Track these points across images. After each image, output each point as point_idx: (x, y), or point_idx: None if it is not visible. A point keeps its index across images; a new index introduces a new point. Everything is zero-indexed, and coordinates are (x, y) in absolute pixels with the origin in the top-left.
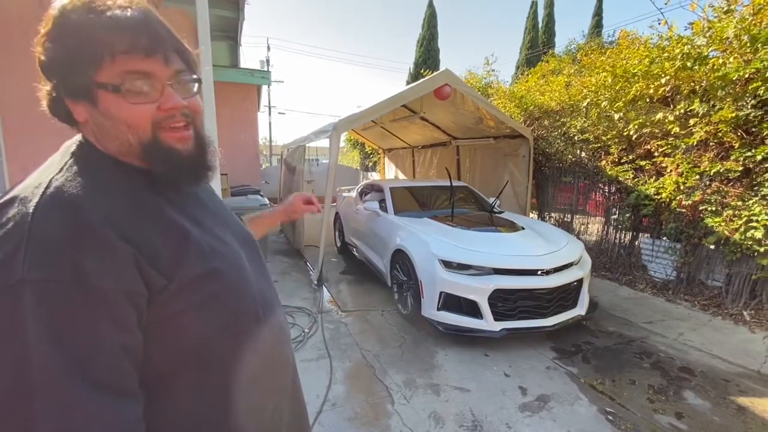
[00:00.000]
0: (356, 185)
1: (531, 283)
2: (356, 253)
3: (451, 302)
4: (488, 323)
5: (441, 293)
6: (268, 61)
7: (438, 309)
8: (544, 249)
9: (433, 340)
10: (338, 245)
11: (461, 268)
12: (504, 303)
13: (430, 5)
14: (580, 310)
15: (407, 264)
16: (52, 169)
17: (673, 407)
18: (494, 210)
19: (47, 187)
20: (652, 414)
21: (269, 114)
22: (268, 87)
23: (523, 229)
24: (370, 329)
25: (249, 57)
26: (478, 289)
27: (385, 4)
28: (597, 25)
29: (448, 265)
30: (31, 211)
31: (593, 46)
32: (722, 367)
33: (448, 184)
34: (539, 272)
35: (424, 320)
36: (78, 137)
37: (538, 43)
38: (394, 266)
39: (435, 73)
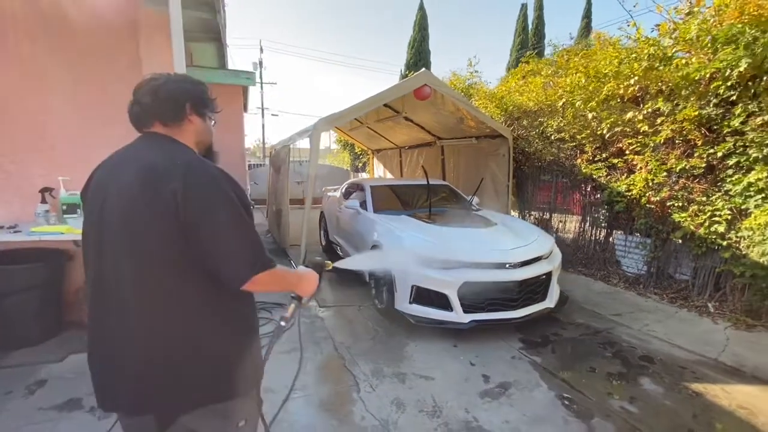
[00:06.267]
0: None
1: (499, 276)
2: (340, 252)
3: (422, 295)
4: (458, 315)
5: (413, 287)
6: (261, 62)
7: (410, 302)
8: (513, 243)
9: (405, 333)
10: (323, 244)
11: (433, 262)
12: (473, 295)
13: (421, 8)
14: (550, 302)
15: None
16: (177, 148)
17: (628, 392)
18: (472, 207)
19: (187, 152)
20: (607, 398)
21: (262, 116)
22: (260, 89)
23: (496, 225)
24: (345, 323)
25: (243, 59)
26: (448, 282)
27: (378, 7)
28: (586, 27)
29: (420, 259)
30: (195, 159)
31: (579, 48)
32: (681, 355)
33: (432, 183)
34: (507, 265)
35: (398, 314)
36: (166, 137)
37: (528, 45)
38: None
39: (414, 74)
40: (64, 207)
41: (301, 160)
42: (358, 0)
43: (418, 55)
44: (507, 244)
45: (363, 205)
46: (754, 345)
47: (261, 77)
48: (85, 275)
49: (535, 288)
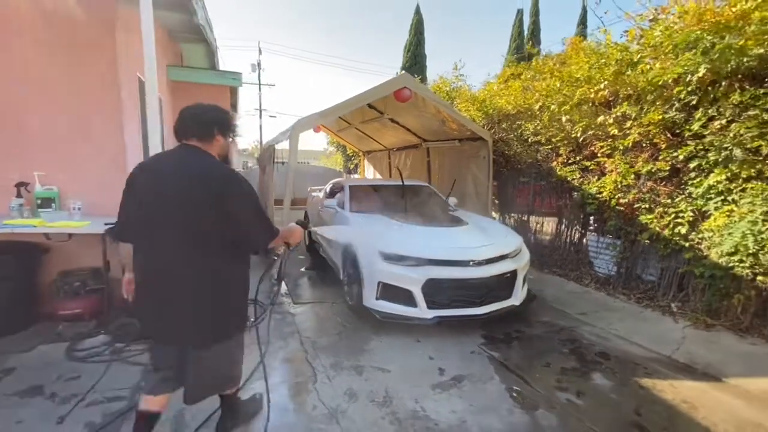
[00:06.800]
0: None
1: (463, 274)
2: (322, 253)
3: (388, 292)
4: (422, 311)
5: (379, 283)
6: (259, 64)
7: (377, 298)
8: (479, 242)
9: (371, 329)
10: (306, 243)
11: (399, 259)
12: (438, 292)
13: (417, 12)
14: (515, 300)
15: (354, 256)
16: (209, 158)
17: (577, 386)
18: (449, 208)
19: (219, 163)
20: (555, 392)
21: (260, 117)
22: (258, 90)
23: (467, 224)
24: (314, 319)
25: (242, 60)
26: (413, 279)
27: (377, 10)
28: (581, 34)
29: (387, 257)
30: (225, 168)
31: (563, 55)
32: (637, 352)
33: (409, 183)
34: (471, 263)
35: (367, 311)
36: (199, 149)
37: (524, 50)
38: (345, 260)
39: (394, 77)
40: (39, 201)
41: (284, 160)
42: (359, 1)
43: (414, 59)
44: (473, 242)
45: (341, 204)
46: (711, 344)
47: (259, 79)
48: (132, 250)
49: (500, 285)
